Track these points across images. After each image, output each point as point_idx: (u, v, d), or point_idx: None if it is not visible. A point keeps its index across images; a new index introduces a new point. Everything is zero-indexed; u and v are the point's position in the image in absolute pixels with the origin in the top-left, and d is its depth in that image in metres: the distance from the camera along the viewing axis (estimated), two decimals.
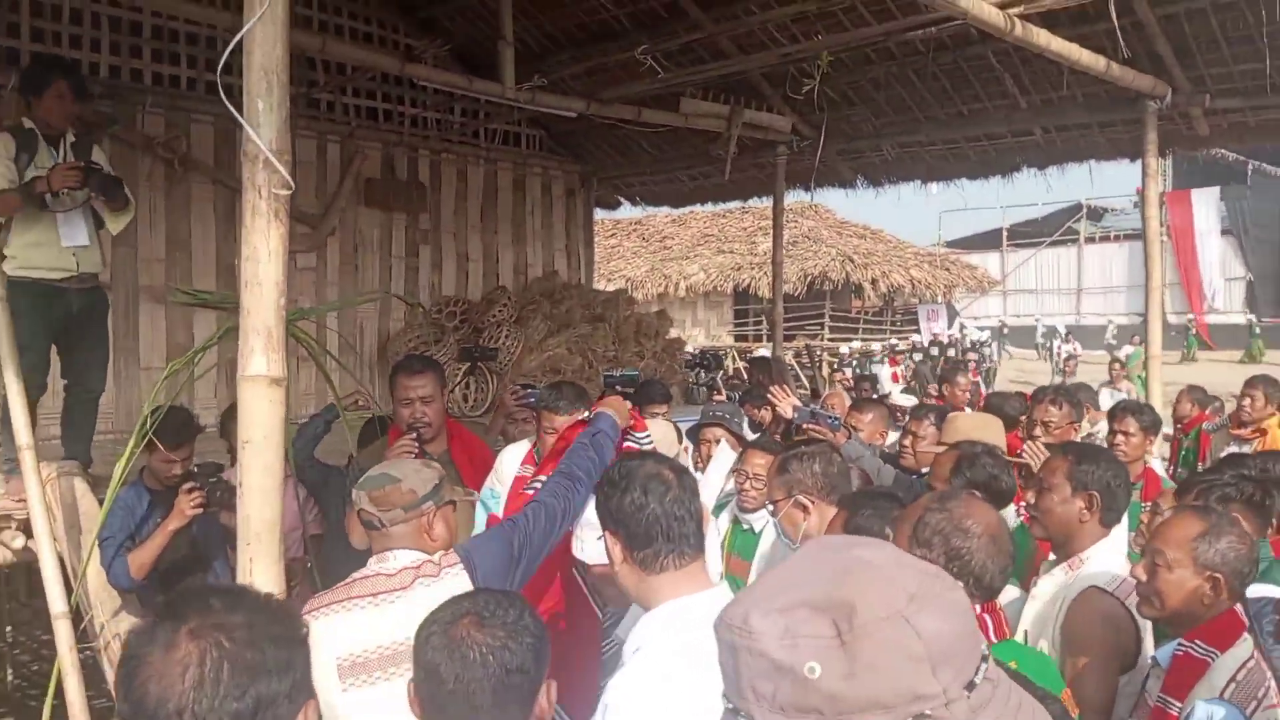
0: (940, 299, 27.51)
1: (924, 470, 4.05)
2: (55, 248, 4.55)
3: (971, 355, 19.85)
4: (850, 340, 23.18)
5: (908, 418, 4.60)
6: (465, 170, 9.52)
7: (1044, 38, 5.71)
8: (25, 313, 4.35)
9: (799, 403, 4.37)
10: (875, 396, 8.09)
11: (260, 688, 1.17)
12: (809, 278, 22.77)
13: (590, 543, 2.46)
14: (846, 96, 8.19)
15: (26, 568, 6.62)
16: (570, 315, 8.91)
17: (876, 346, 21.58)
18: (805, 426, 3.95)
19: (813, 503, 2.70)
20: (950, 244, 38.08)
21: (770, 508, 2.88)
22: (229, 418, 4.10)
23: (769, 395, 4.60)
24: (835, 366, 17.12)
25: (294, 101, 7.45)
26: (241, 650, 1.18)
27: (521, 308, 8.92)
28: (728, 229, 26.94)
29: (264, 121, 2.41)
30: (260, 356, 2.44)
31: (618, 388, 6.57)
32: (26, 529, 4.51)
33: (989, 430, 3.70)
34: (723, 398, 5.55)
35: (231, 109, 2.38)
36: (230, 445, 4.07)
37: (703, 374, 6.19)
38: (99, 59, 7.12)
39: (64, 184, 4.37)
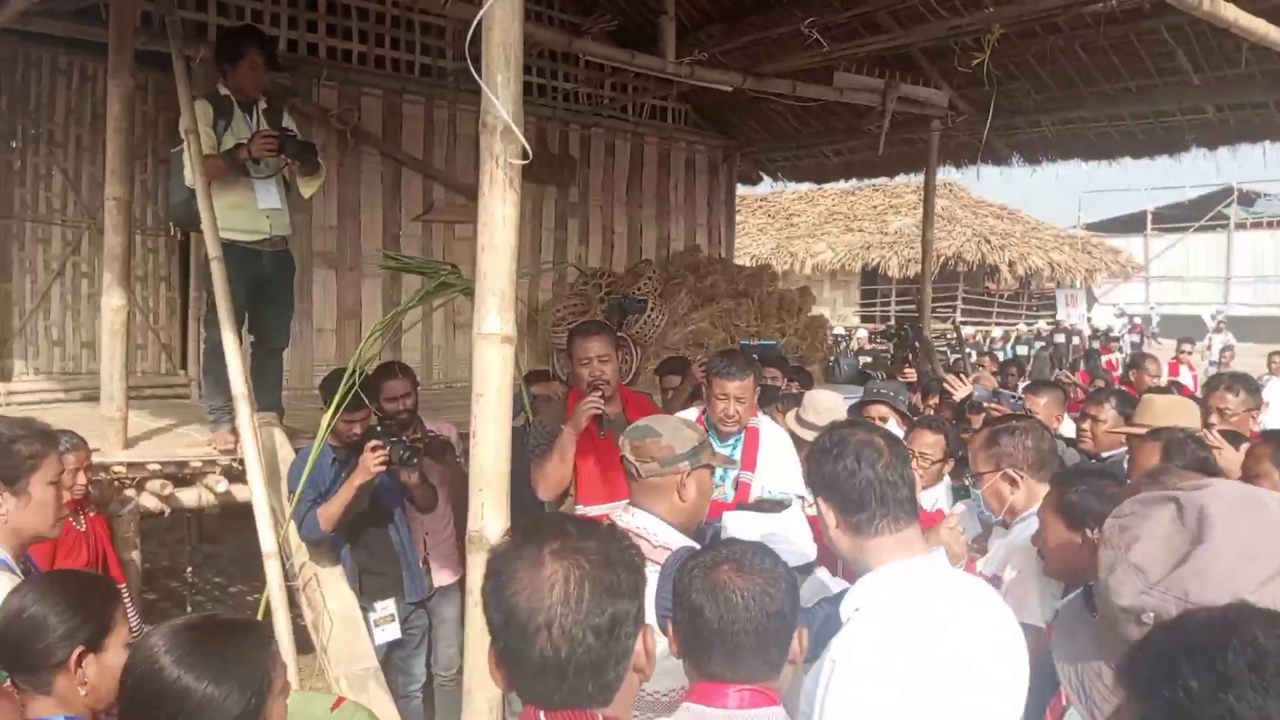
0: (1079, 284, 26.56)
1: (1104, 454, 3.99)
2: (251, 210, 4.85)
3: (1119, 341, 19.12)
4: (984, 324, 22.63)
5: (1088, 401, 4.52)
6: (613, 144, 9.67)
7: (1232, 12, 5.47)
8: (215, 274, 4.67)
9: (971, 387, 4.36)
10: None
11: (616, 607, 1.30)
12: (942, 258, 22.24)
13: None
14: (1008, 70, 7.99)
15: (199, 514, 7.13)
16: (714, 289, 8.98)
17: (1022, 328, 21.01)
18: (987, 405, 3.95)
19: (1021, 477, 2.72)
20: (1090, 226, 36.59)
21: (970, 481, 2.90)
22: (331, 380, 4.25)
23: (944, 383, 4.59)
24: (984, 350, 16.73)
25: (455, 76, 7.73)
26: (600, 572, 1.31)
27: (666, 281, 9.02)
28: (857, 207, 26.50)
29: (502, 93, 2.56)
30: (495, 315, 2.60)
31: (754, 356, 6.67)
32: (228, 474, 4.86)
33: (1184, 412, 3.63)
34: (912, 374, 5.53)
35: (479, 79, 2.53)
36: (323, 406, 4.24)
37: (892, 348, 6.18)
38: (278, 32, 7.48)
39: (263, 150, 4.66)
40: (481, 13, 2.58)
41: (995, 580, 2.79)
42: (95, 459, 4.51)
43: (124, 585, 3.92)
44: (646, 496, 2.45)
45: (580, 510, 3.94)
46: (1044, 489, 2.60)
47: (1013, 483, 2.75)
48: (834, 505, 1.99)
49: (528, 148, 2.54)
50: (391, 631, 4.42)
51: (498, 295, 2.60)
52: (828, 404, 4.17)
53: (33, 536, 2.37)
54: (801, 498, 3.91)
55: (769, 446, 3.82)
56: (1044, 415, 4.45)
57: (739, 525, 2.94)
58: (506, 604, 1.31)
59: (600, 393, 3.81)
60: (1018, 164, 9.42)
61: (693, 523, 2.48)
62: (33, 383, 6.50)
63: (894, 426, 4.47)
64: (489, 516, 2.63)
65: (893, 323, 6.35)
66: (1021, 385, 7.98)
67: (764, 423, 3.94)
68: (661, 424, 2.56)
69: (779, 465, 3.79)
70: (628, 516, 2.45)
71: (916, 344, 8.57)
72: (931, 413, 4.90)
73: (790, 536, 2.88)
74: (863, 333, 19.28)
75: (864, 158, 10.36)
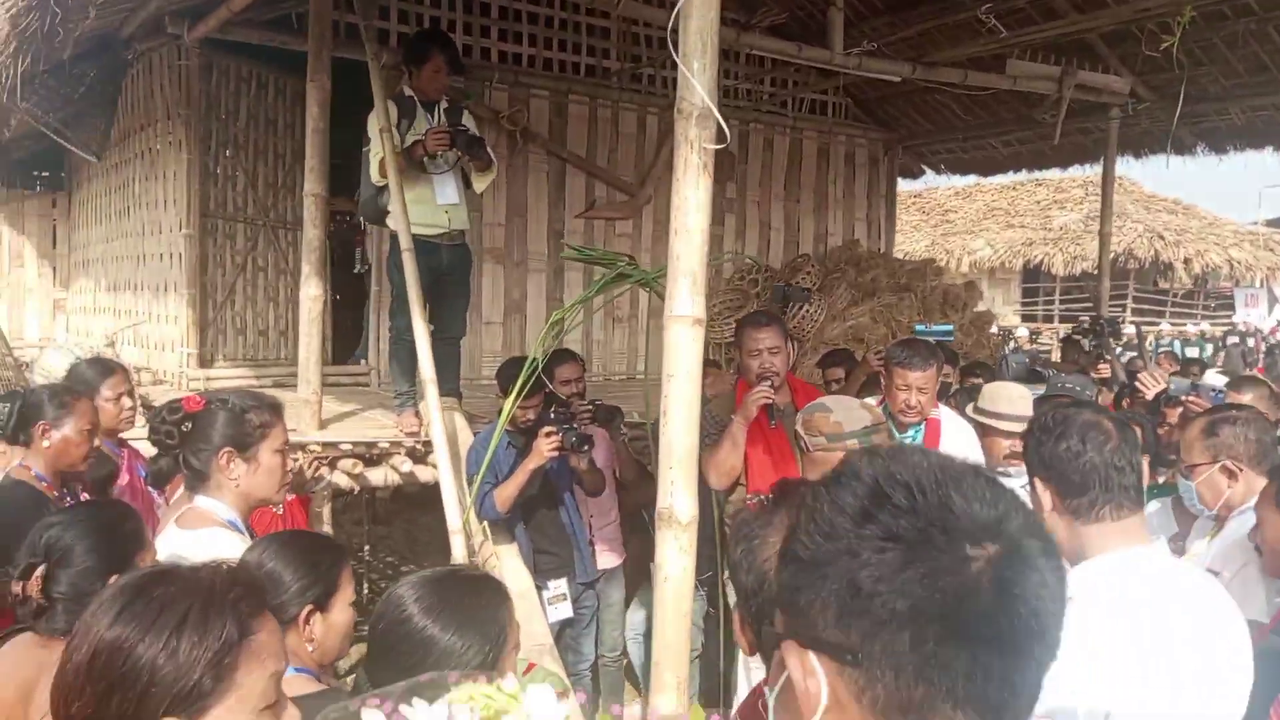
0: (1260, 282, 24.84)
1: None
2: (430, 205, 5.06)
3: None
4: (1155, 324, 21.44)
5: None
6: (771, 139, 9.64)
7: None
8: (405, 268, 4.90)
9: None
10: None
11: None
12: (1111, 255, 21.09)
13: None
14: (1194, 56, 7.56)
15: (374, 496, 7.47)
16: (875, 284, 8.84)
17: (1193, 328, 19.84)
18: (1185, 400, 3.76)
19: (1241, 470, 2.59)
20: (1271, 223, 34.08)
21: (1164, 478, 2.79)
22: (509, 368, 4.48)
23: (1138, 383, 4.39)
24: (1161, 346, 15.87)
25: (619, 76, 7.86)
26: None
27: (825, 275, 8.94)
28: (1018, 202, 25.52)
29: (699, 79, 2.61)
30: (686, 298, 2.65)
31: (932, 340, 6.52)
32: (412, 455, 5.11)
33: None
34: (1107, 369, 5.31)
35: (679, 62, 2.58)
36: (500, 393, 4.48)
37: (1087, 342, 5.92)
38: (454, 37, 7.78)
39: (437, 146, 4.85)
40: (681, 3, 2.64)
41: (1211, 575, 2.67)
42: (293, 439, 4.81)
43: None
44: (811, 471, 2.47)
45: (752, 500, 3.96)
46: (1262, 483, 2.47)
47: (1231, 475, 2.62)
48: (1053, 487, 1.94)
49: (725, 130, 2.58)
50: (564, 610, 4.56)
51: (690, 278, 2.65)
52: (1010, 394, 4.06)
53: (260, 501, 2.56)
54: None
55: (951, 439, 3.75)
56: None
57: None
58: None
59: (770, 383, 3.83)
60: (1203, 153, 8.90)
61: None
62: (230, 369, 6.97)
63: None
64: (679, 494, 2.69)
65: (1088, 319, 5.99)
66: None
67: (946, 414, 3.87)
68: (835, 402, 2.57)
69: (962, 455, 3.71)
70: None
71: (1111, 340, 8.20)
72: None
73: None
74: (1023, 331, 18.57)
75: (1034, 149, 9.99)
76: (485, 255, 7.90)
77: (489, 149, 5.16)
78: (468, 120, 5.27)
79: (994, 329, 9.96)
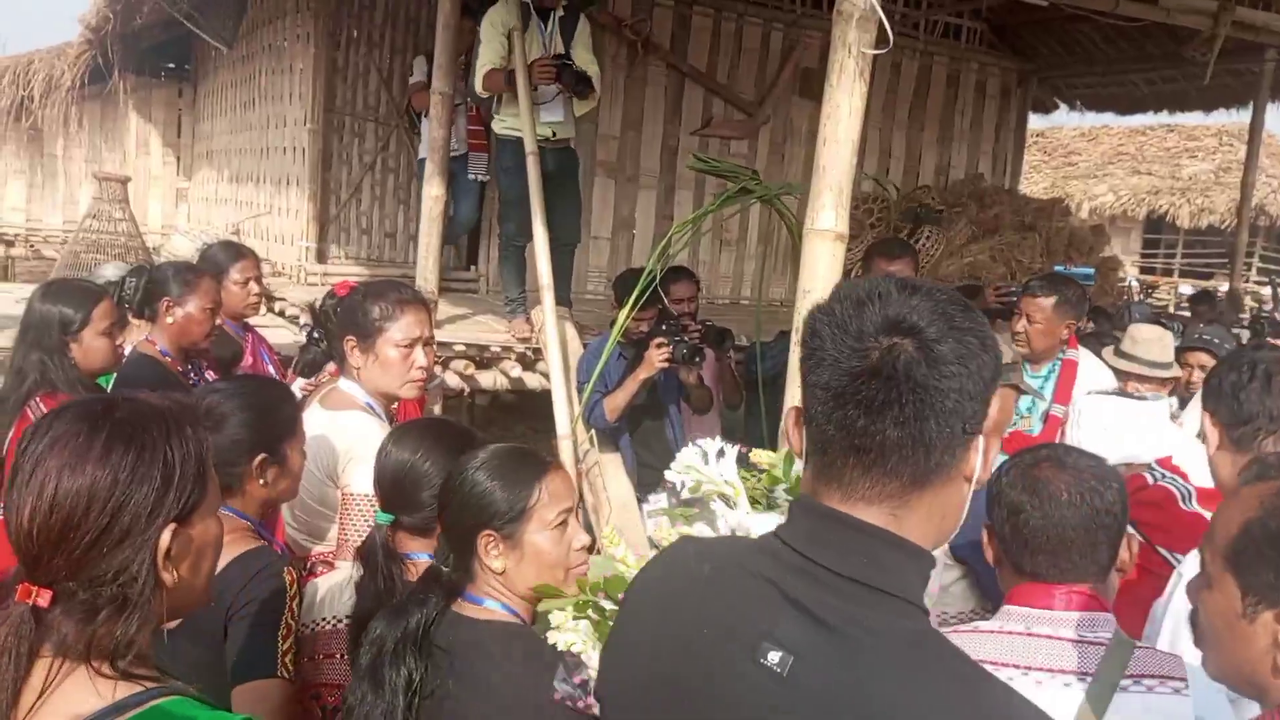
0: None
1: None
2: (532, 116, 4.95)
3: None
4: None
5: None
6: (899, 63, 9.25)
7: None
8: (512, 170, 4.84)
9: None
10: None
11: None
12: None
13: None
14: None
15: (473, 400, 7.58)
16: (998, 221, 8.49)
17: None
18: None
19: None
20: None
21: None
22: (626, 278, 4.41)
23: None
24: None
25: None
26: None
27: (946, 208, 8.63)
28: (1146, 148, 24.25)
29: None
30: (830, 212, 2.56)
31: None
32: (522, 361, 5.14)
33: None
34: None
35: None
36: (615, 303, 4.42)
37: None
38: None
39: (540, 79, 4.71)
40: None
41: None
42: None
43: None
44: None
45: None
46: None
47: None
48: (1220, 419, 1.87)
49: (889, 32, 2.44)
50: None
51: (835, 191, 2.56)
52: (1150, 335, 3.86)
53: (382, 393, 2.52)
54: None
55: (1087, 381, 3.59)
56: None
57: (1094, 404, 2.80)
58: None
59: None
60: None
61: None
62: (343, 266, 7.10)
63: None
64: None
65: (1250, 315, 5.59)
66: None
67: (1084, 356, 3.70)
68: None
69: None
70: None
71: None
72: None
73: (1144, 431, 2.71)
74: (1133, 283, 17.73)
75: (1177, 89, 9.42)
76: (597, 168, 7.82)
77: (596, 81, 4.98)
78: (580, 41, 5.06)
79: (1122, 276, 9.55)
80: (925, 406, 0.98)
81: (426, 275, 5.01)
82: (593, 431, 4.48)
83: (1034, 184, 23.67)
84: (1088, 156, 25.01)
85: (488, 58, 4.78)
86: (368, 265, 7.20)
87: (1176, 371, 3.94)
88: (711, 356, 4.77)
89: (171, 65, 11.55)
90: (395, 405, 4.05)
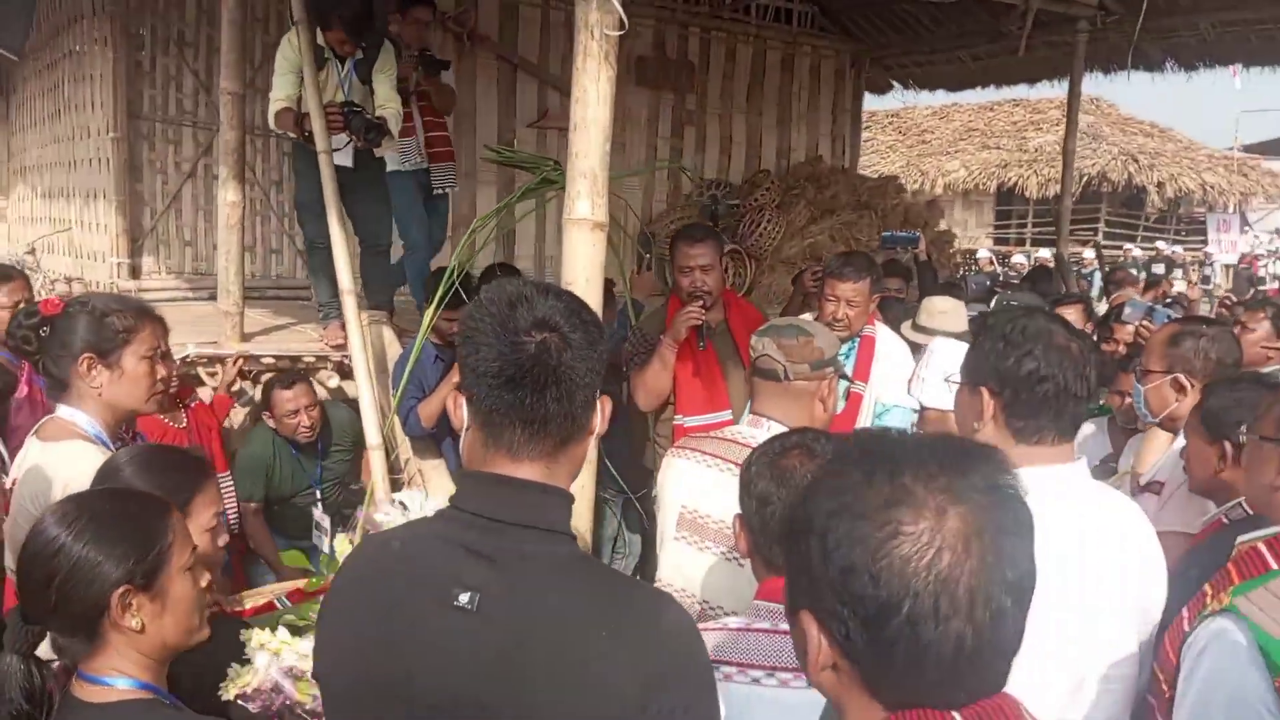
0: (1232, 208, 24.78)
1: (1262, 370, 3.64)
2: None
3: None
4: (1124, 247, 21.36)
5: (1241, 309, 4.11)
6: (734, 49, 9.32)
7: None
8: (305, 173, 4.62)
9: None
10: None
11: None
12: (1085, 178, 20.96)
13: (933, 386, 2.34)
14: None
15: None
16: (835, 201, 8.65)
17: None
18: (1140, 323, 3.63)
19: (1192, 385, 2.48)
20: (1248, 148, 33.85)
21: (1139, 374, 2.65)
22: (433, 279, 4.29)
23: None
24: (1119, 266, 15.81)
25: None
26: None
27: (785, 192, 8.73)
28: (995, 123, 25.20)
29: None
30: (585, 200, 2.48)
31: (896, 248, 6.30)
32: (340, 371, 4.93)
33: None
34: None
35: None
36: (424, 304, 4.30)
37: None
38: None
39: (330, 128, 4.40)
40: None
41: (1155, 486, 2.60)
42: (210, 351, 4.63)
43: (226, 473, 3.98)
44: (784, 403, 2.23)
45: (680, 421, 3.85)
46: None
47: (1180, 389, 2.51)
48: (1002, 402, 1.79)
49: (624, 17, 2.37)
50: None
51: (588, 178, 2.47)
52: (943, 307, 3.92)
53: (127, 411, 2.36)
54: (917, 411, 3.71)
55: (885, 356, 3.62)
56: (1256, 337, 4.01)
57: (945, 349, 2.79)
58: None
59: (701, 302, 3.68)
60: (1171, 70, 8.67)
61: None
62: (161, 280, 6.73)
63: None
64: None
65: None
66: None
67: (881, 331, 3.73)
68: (809, 325, 2.35)
69: (896, 375, 3.59)
70: (758, 430, 2.24)
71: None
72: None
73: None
74: (983, 254, 18.31)
75: (1002, 63, 9.72)
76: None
77: (394, 121, 4.70)
78: (382, 71, 4.73)
79: (954, 250, 9.83)
80: (572, 384, 1.27)
81: (229, 286, 4.76)
82: (410, 439, 4.34)
83: (890, 163, 24.32)
84: (940, 134, 25.82)
85: (281, 93, 4.52)
86: (190, 279, 6.84)
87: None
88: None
89: None
90: (182, 422, 3.85)
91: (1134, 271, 13.98)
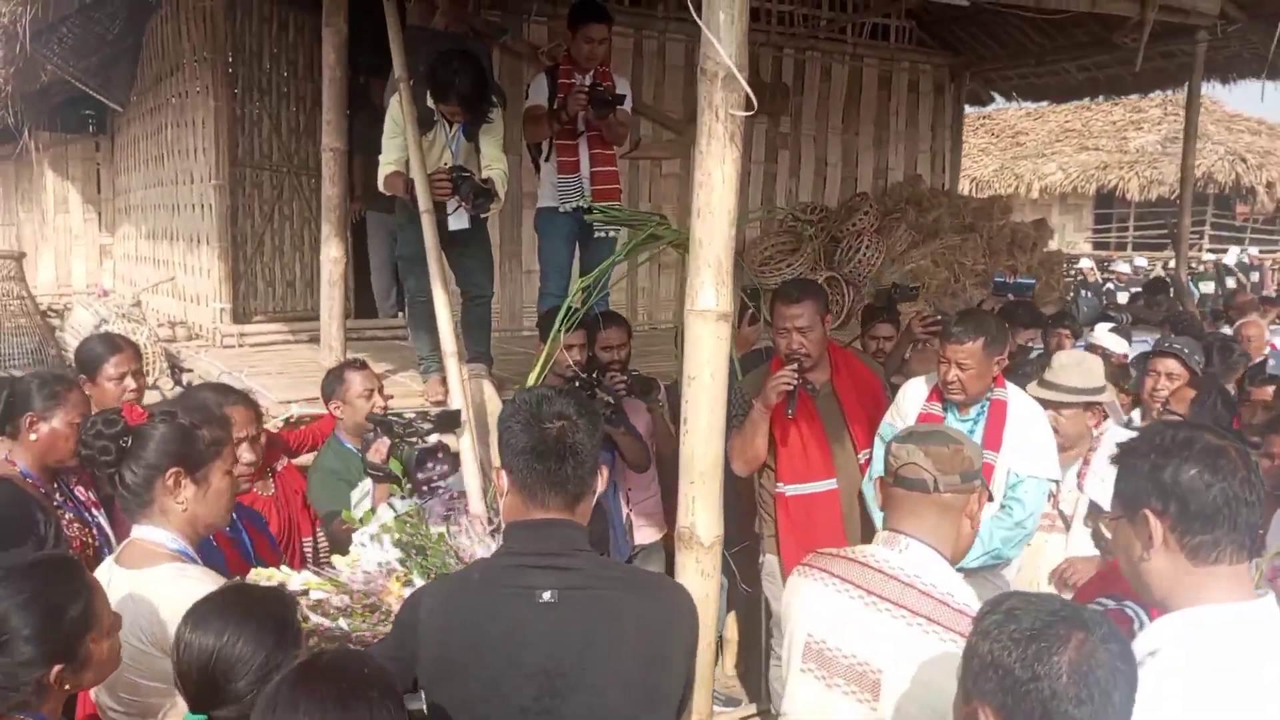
0: None
1: None
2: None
3: None
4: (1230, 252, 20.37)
5: None
6: (829, 68, 9.07)
7: None
8: (409, 228, 4.52)
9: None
10: None
11: None
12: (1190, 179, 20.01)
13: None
14: None
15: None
16: (938, 224, 8.34)
17: None
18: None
19: None
20: None
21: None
22: (548, 317, 4.08)
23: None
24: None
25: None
26: None
27: (884, 215, 8.45)
28: (1093, 123, 24.26)
29: (725, 35, 2.24)
30: (710, 290, 2.32)
31: (1009, 295, 5.97)
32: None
33: None
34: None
35: (697, 18, 2.21)
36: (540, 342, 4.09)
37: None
38: None
39: (438, 194, 4.34)
40: None
41: None
42: (314, 410, 4.57)
43: (309, 537, 3.74)
44: (929, 519, 2.00)
45: (781, 490, 3.67)
46: None
47: None
48: (1171, 517, 1.60)
49: (752, 97, 2.20)
50: None
51: (714, 266, 2.31)
52: (1069, 361, 3.67)
53: (209, 528, 2.27)
54: (1055, 482, 3.46)
55: (1018, 422, 3.38)
56: None
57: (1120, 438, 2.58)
58: None
59: (796, 365, 3.49)
60: None
61: (959, 560, 2.08)
62: (264, 325, 6.79)
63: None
64: (700, 512, 2.39)
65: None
66: None
67: (1012, 394, 3.48)
68: (956, 433, 2.13)
69: (1030, 444, 3.35)
70: (895, 553, 2.02)
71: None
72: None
73: None
74: (1086, 263, 17.56)
75: (1111, 74, 9.30)
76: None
77: (500, 183, 4.57)
78: (490, 133, 4.60)
79: (1066, 270, 9.41)
80: (581, 456, 1.81)
81: (331, 341, 4.73)
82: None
83: (983, 167, 23.65)
84: (1035, 135, 25.00)
85: (390, 156, 4.46)
86: (284, 321, 6.88)
87: (1108, 396, 3.75)
88: (642, 407, 4.52)
89: (91, 114, 11.12)
90: (271, 489, 3.74)
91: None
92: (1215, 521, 1.58)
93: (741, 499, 4.08)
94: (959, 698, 1.51)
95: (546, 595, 1.73)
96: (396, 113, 4.34)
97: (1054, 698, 1.35)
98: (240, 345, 6.43)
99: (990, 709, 1.41)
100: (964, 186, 18.90)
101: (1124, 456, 1.71)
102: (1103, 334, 5.29)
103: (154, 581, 2.04)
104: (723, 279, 2.31)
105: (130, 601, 1.99)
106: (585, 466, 1.80)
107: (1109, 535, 2.90)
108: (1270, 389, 3.67)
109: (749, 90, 2.20)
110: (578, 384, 3.98)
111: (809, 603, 2.06)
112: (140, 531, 2.15)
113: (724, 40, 2.21)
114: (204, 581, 2.03)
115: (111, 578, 2.05)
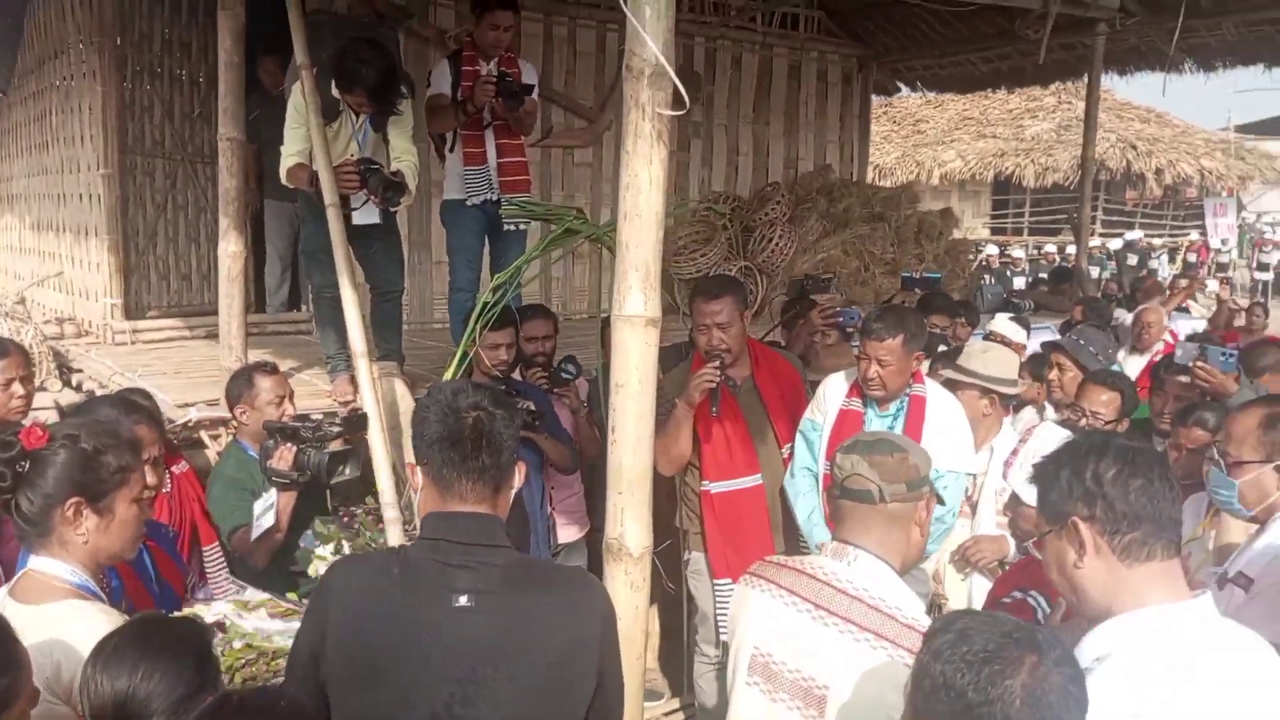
0: (1227, 193, 24.59)
1: None
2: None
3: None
4: (1124, 236, 21.19)
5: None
6: (740, 57, 9.07)
7: None
8: (313, 222, 4.33)
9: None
10: None
11: None
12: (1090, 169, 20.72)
13: None
14: None
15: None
16: (848, 214, 8.40)
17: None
18: (1194, 366, 3.40)
19: None
20: (1241, 129, 33.59)
21: (1219, 460, 2.42)
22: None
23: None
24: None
25: None
26: None
27: (796, 205, 8.47)
28: (990, 111, 24.92)
29: (651, 29, 2.15)
30: (638, 294, 2.25)
31: (916, 290, 6.05)
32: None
33: None
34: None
35: (625, 8, 2.12)
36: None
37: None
38: None
39: (344, 186, 4.13)
40: None
41: (1241, 580, 2.37)
42: (214, 414, 4.36)
43: (213, 545, 3.51)
44: (876, 529, 1.96)
45: (706, 488, 3.64)
46: None
47: None
48: (1099, 520, 1.60)
49: (684, 94, 2.13)
50: None
51: (641, 271, 2.24)
52: (994, 358, 3.72)
53: (111, 558, 2.11)
54: (972, 476, 3.50)
55: (937, 417, 3.40)
56: None
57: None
58: None
59: (718, 362, 3.46)
60: (1190, 71, 8.46)
61: (909, 569, 2.05)
62: (158, 321, 6.47)
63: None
64: (629, 522, 2.32)
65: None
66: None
67: (931, 390, 3.51)
68: (901, 440, 2.10)
69: (950, 438, 3.37)
70: (843, 565, 1.97)
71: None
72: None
73: None
74: (992, 249, 18.04)
75: (1015, 65, 9.51)
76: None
77: (410, 175, 4.35)
78: (398, 124, 4.37)
79: (971, 256, 9.62)
80: (500, 445, 1.81)
81: (231, 341, 4.52)
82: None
83: (885, 154, 24.08)
84: (935, 123, 25.54)
85: (293, 147, 4.22)
86: (179, 316, 6.57)
87: (1013, 389, 3.80)
88: (568, 409, 4.43)
89: None
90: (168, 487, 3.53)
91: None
92: (1141, 518, 1.60)
93: (664, 495, 4.05)
94: (907, 715, 1.48)
95: (463, 600, 1.72)
96: (299, 102, 4.13)
97: None
98: (133, 342, 6.12)
99: None
100: (870, 174, 19.24)
101: (1041, 471, 1.71)
102: (1002, 323, 5.41)
103: (54, 619, 1.88)
104: (651, 283, 2.24)
105: (25, 642, 1.83)
106: (503, 456, 1.80)
107: (1026, 527, 2.94)
108: (1181, 376, 3.76)
109: (680, 86, 2.12)
110: (502, 388, 3.88)
111: (755, 615, 2.01)
112: (37, 563, 1.98)
113: (651, 34, 2.13)
114: (102, 621, 1.88)
115: (8, 613, 1.88)
